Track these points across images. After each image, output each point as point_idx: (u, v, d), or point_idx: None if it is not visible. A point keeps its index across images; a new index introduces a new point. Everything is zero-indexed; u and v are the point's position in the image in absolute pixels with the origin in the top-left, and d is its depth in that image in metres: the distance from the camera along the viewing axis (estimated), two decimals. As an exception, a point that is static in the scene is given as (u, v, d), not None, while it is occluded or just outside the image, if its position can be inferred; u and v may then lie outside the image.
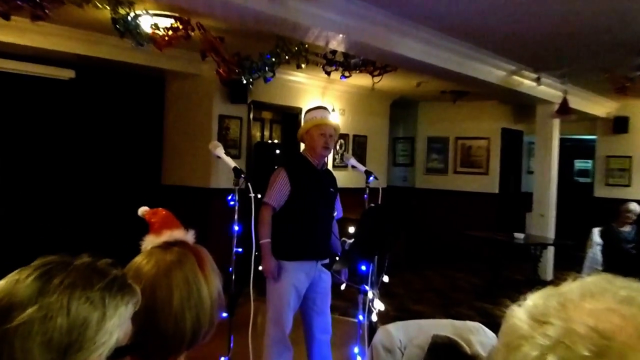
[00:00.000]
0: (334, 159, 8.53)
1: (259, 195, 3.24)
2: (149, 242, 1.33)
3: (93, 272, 0.91)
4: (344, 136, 8.74)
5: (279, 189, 3.51)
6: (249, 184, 3.02)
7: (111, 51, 5.67)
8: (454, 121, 9.98)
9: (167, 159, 7.24)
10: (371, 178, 3.67)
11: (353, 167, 3.71)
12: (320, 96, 8.25)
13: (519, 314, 0.63)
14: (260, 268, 3.41)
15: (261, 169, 7.01)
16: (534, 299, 0.64)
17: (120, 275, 0.96)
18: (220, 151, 3.15)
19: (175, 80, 7.04)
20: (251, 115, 7.17)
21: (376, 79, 6.04)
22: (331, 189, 3.72)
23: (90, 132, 6.61)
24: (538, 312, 0.62)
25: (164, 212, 1.41)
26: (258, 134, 8.22)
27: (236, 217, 3.05)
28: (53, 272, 0.88)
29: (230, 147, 6.67)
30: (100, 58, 5.72)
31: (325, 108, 3.78)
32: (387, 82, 7.21)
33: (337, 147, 8.52)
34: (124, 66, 6.14)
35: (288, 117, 7.81)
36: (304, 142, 3.67)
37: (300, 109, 7.61)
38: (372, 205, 3.27)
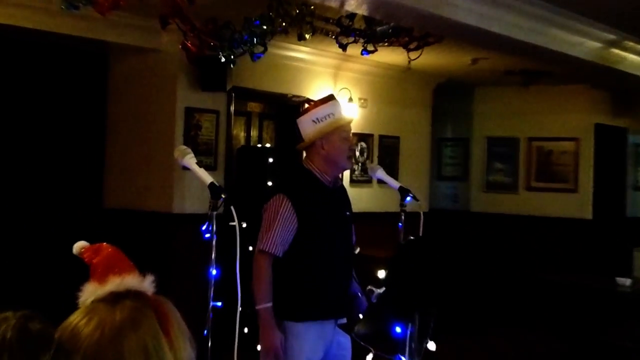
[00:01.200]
0: (352, 172, 8.49)
1: (245, 224, 3.30)
2: (90, 292, 1.34)
3: (34, 343, 0.92)
4: (366, 137, 8.64)
5: (282, 227, 3.49)
6: (231, 207, 3.01)
7: (32, 17, 5.66)
8: (525, 114, 9.92)
9: (111, 172, 7.21)
10: (408, 199, 3.71)
11: (380, 182, 3.86)
12: (332, 80, 8.13)
13: None
14: (246, 330, 3.45)
15: (247, 185, 7.01)
16: None
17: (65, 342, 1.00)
18: (190, 161, 3.17)
19: (122, 58, 7.04)
20: (232, 108, 7.12)
21: (413, 55, 6.02)
22: (347, 213, 3.75)
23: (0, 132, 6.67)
24: None
25: (109, 250, 1.41)
26: (242, 135, 8.18)
27: (214, 256, 3.05)
28: None
29: (203, 154, 6.66)
30: (15, 27, 5.69)
31: (335, 97, 3.80)
32: (429, 59, 7.08)
33: (357, 153, 8.40)
34: (49, 38, 6.14)
35: (285, 110, 7.70)
36: (312, 152, 3.68)
37: (303, 100, 7.61)
38: (410, 238, 3.23)
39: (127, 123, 7.11)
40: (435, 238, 3.70)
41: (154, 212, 6.80)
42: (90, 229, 6.70)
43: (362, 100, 8.50)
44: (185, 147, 3.30)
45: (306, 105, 3.81)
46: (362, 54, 5.99)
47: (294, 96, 7.74)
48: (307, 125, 3.64)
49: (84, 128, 7.22)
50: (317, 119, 3.60)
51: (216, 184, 3.13)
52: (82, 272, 1.36)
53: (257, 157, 7.49)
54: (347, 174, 8.27)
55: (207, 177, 3.13)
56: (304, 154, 3.77)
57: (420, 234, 3.67)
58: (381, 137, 8.75)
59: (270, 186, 3.63)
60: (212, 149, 6.95)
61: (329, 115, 3.60)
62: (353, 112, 8.06)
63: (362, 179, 8.38)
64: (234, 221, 2.94)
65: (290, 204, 3.48)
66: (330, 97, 3.76)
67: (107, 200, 7.21)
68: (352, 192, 8.06)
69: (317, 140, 3.60)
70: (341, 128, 3.63)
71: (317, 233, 3.55)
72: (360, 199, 8.04)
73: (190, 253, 5.97)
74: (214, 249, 3.05)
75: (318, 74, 7.95)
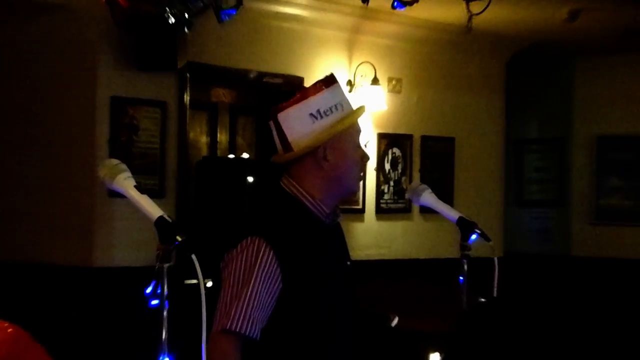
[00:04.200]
0: (379, 196, 8.05)
1: (210, 283, 3.19)
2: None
3: None
4: (401, 140, 8.34)
5: (260, 292, 3.32)
6: (192, 257, 2.92)
7: None
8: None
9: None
10: (474, 237, 3.78)
11: (426, 210, 3.86)
12: (346, 51, 7.83)
13: None
14: None
15: (213, 220, 6.91)
16: None
17: None
18: (125, 183, 3.11)
19: (7, 19, 6.72)
20: (187, 98, 6.98)
21: (476, 8, 6.01)
22: (348, 263, 3.65)
23: None
24: None
25: (9, 331, 1.70)
26: (204, 140, 8.07)
27: (164, 334, 2.97)
28: None
29: (141, 172, 6.41)
30: None
31: (336, 79, 3.56)
32: (501, 14, 7.10)
33: (387, 166, 8.20)
34: None
35: (271, 99, 7.48)
36: (305, 168, 3.49)
37: (300, 81, 7.36)
38: (480, 301, 3.28)
39: (15, 123, 6.90)
40: (519, 300, 3.41)
41: (63, 267, 6.57)
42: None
43: (394, 82, 8.29)
44: (116, 161, 3.18)
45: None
46: (393, 7, 6.01)
47: (285, 77, 7.47)
48: (301, 123, 3.47)
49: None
50: (319, 112, 3.45)
51: (168, 219, 3.02)
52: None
53: (229, 174, 7.47)
54: (370, 200, 8.00)
55: (153, 209, 3.06)
56: (289, 172, 3.55)
57: (495, 294, 3.71)
58: (425, 139, 8.54)
59: (237, 224, 3.61)
60: (157, 163, 6.79)
61: (335, 106, 3.46)
62: (380, 100, 7.66)
63: (396, 207, 8.15)
64: (197, 278, 2.92)
65: (272, 253, 3.31)
66: (332, 79, 3.56)
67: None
68: (381, 228, 8.03)
69: (320, 146, 3.42)
70: (354, 128, 3.48)
71: (313, 299, 3.39)
72: (394, 238, 7.82)
73: (125, 330, 5.63)
74: (165, 322, 2.98)
75: (324, 41, 7.70)
